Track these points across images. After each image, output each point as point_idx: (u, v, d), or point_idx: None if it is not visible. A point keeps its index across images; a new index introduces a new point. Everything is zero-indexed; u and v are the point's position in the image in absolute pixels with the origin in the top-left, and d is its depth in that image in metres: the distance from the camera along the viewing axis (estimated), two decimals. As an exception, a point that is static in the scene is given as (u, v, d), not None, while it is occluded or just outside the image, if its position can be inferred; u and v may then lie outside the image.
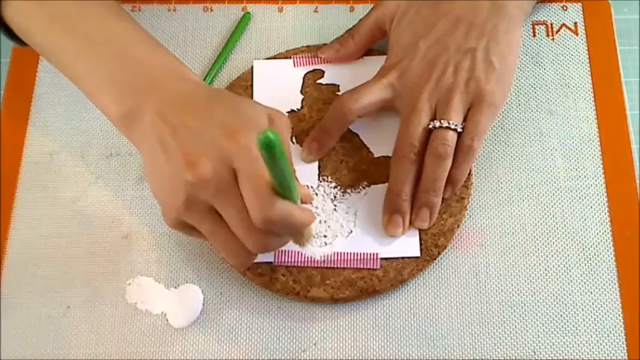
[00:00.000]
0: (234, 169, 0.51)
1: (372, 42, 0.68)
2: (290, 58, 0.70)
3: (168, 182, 0.52)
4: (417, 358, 0.60)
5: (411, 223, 0.62)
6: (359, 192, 0.64)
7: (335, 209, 0.64)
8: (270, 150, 0.44)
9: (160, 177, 0.53)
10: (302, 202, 0.55)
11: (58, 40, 0.58)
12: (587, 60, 0.70)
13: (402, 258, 0.62)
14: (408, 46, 0.64)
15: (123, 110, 0.55)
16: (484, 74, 0.62)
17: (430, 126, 0.61)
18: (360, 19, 0.68)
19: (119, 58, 0.56)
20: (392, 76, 0.63)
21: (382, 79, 0.63)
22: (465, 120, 0.62)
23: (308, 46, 0.71)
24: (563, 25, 0.72)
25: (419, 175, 0.62)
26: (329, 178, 0.65)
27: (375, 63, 0.69)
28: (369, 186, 0.64)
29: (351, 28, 0.68)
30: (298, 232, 0.55)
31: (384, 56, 0.69)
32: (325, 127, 0.65)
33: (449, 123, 0.61)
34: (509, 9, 0.64)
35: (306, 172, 0.65)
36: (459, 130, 0.61)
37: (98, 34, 0.57)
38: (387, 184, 0.64)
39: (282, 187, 0.50)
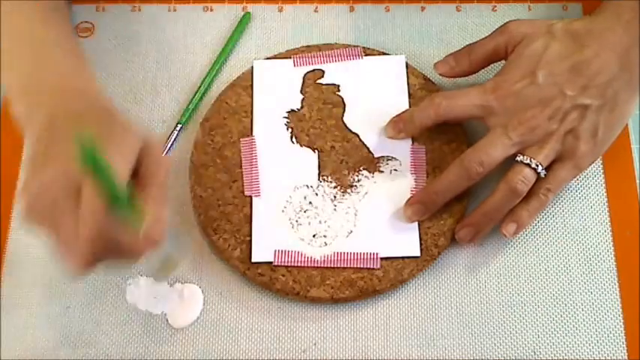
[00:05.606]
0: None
1: (487, 63, 0.66)
2: (290, 58, 0.70)
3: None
4: (417, 358, 0.60)
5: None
6: (359, 192, 0.64)
7: (335, 209, 0.64)
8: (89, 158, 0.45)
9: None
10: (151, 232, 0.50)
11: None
12: (588, 60, 0.70)
13: (402, 258, 0.62)
14: (525, 72, 0.61)
15: (21, 107, 0.56)
16: (585, 135, 0.61)
17: (518, 159, 0.60)
18: (481, 39, 0.66)
19: (34, 60, 0.57)
20: (493, 96, 0.61)
21: (483, 95, 0.62)
22: (546, 168, 0.61)
23: (308, 46, 0.71)
24: (564, 24, 0.72)
25: (466, 190, 0.62)
26: (329, 178, 0.65)
27: (376, 63, 0.69)
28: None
29: (468, 45, 0.66)
30: (130, 258, 0.51)
31: (384, 56, 0.70)
32: (411, 115, 0.65)
33: (537, 165, 0.60)
34: (635, 78, 0.62)
35: (306, 172, 0.65)
36: (542, 176, 0.60)
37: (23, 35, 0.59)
38: (388, 184, 0.64)
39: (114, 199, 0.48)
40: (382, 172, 0.65)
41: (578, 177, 0.65)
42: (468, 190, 0.63)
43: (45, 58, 0.58)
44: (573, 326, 0.61)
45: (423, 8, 0.74)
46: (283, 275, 0.61)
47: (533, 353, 0.60)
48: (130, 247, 0.50)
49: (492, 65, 0.66)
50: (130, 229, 0.49)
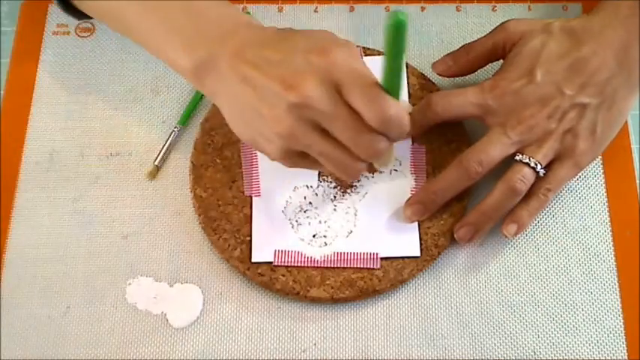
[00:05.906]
0: (335, 82, 0.51)
1: (485, 62, 0.66)
2: (290, 58, 0.70)
3: (268, 114, 0.52)
4: (417, 358, 0.60)
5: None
6: (359, 192, 0.64)
7: (335, 209, 0.64)
8: (400, 30, 0.47)
9: (253, 115, 0.53)
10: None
11: (121, 3, 0.59)
12: (588, 60, 0.70)
13: (402, 258, 0.62)
14: (523, 71, 0.61)
15: (195, 60, 0.56)
16: (584, 133, 0.61)
17: (517, 158, 0.60)
18: (479, 38, 0.65)
19: (185, 12, 0.57)
20: (491, 95, 0.61)
21: (480, 94, 0.61)
22: (546, 167, 0.61)
23: (308, 46, 0.70)
24: (564, 24, 0.72)
25: (466, 190, 0.62)
26: (329, 178, 0.65)
27: (376, 63, 0.69)
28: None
29: (466, 44, 0.66)
30: (404, 133, 0.54)
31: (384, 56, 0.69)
32: (412, 117, 0.65)
33: (536, 164, 0.60)
34: (634, 75, 0.62)
35: (306, 172, 0.65)
36: (541, 175, 0.60)
37: None
38: (387, 184, 0.64)
39: (395, 79, 0.52)
40: (382, 172, 0.65)
41: (578, 177, 0.65)
42: (468, 190, 0.63)
43: (196, 6, 0.57)
44: (573, 326, 0.61)
45: (423, 8, 0.74)
46: (283, 275, 0.61)
47: (533, 353, 0.60)
48: (408, 120, 0.53)
49: (491, 65, 0.66)
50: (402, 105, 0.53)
